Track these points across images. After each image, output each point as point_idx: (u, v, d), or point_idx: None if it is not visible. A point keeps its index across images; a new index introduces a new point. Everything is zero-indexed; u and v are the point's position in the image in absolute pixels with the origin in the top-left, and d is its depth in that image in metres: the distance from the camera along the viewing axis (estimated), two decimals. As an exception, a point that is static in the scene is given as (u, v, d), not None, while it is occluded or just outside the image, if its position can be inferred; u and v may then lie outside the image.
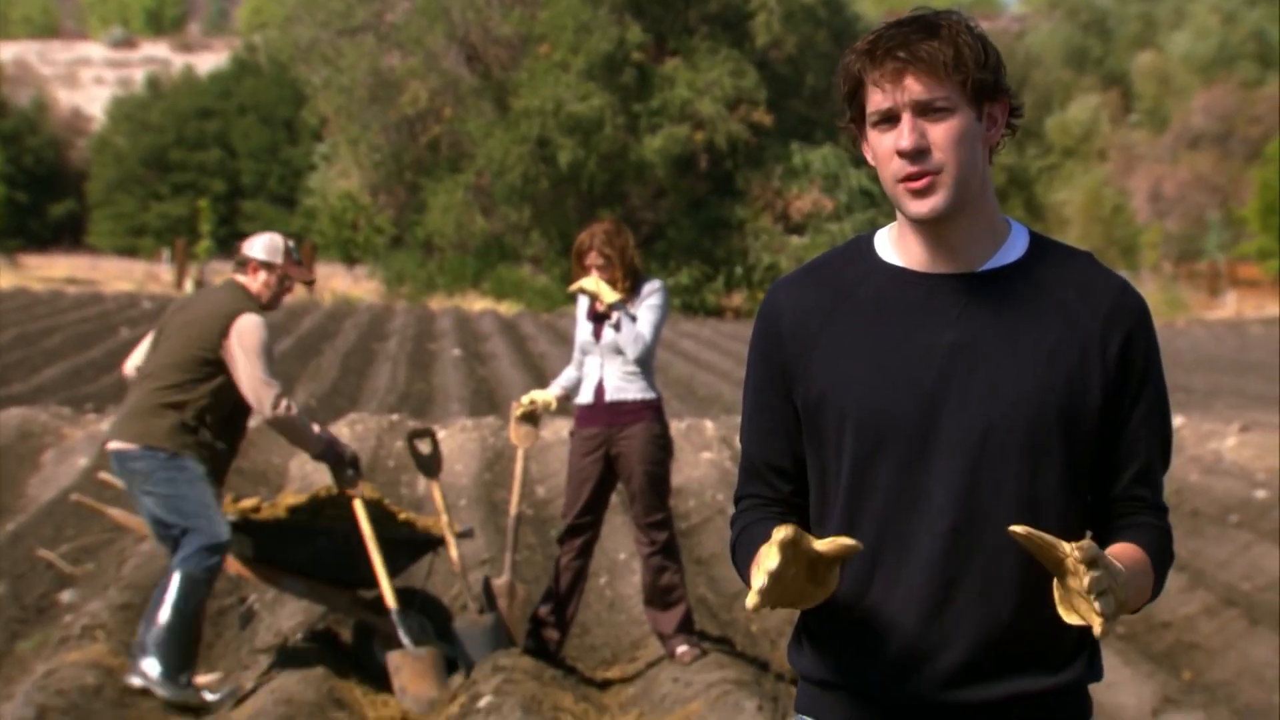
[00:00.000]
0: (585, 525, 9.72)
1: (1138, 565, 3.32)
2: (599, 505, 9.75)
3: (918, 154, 3.30)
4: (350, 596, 9.59)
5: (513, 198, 57.03)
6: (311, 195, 69.91)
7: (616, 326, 9.44)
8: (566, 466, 9.97)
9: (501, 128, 56.43)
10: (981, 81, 3.33)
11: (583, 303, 9.69)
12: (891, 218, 3.53)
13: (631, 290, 9.52)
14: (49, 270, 65.89)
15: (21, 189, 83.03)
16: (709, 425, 19.05)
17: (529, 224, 58.41)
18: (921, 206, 3.32)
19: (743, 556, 3.46)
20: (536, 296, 54.23)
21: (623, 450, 9.55)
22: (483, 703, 8.43)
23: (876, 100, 3.32)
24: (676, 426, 18.33)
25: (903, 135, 3.29)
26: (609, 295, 9.41)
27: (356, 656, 9.63)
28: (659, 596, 9.66)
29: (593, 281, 9.44)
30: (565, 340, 33.56)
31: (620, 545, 12.59)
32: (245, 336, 8.85)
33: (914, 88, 3.29)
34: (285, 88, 79.70)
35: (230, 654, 10.09)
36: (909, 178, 3.31)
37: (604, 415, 9.58)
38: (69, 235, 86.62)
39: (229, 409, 8.97)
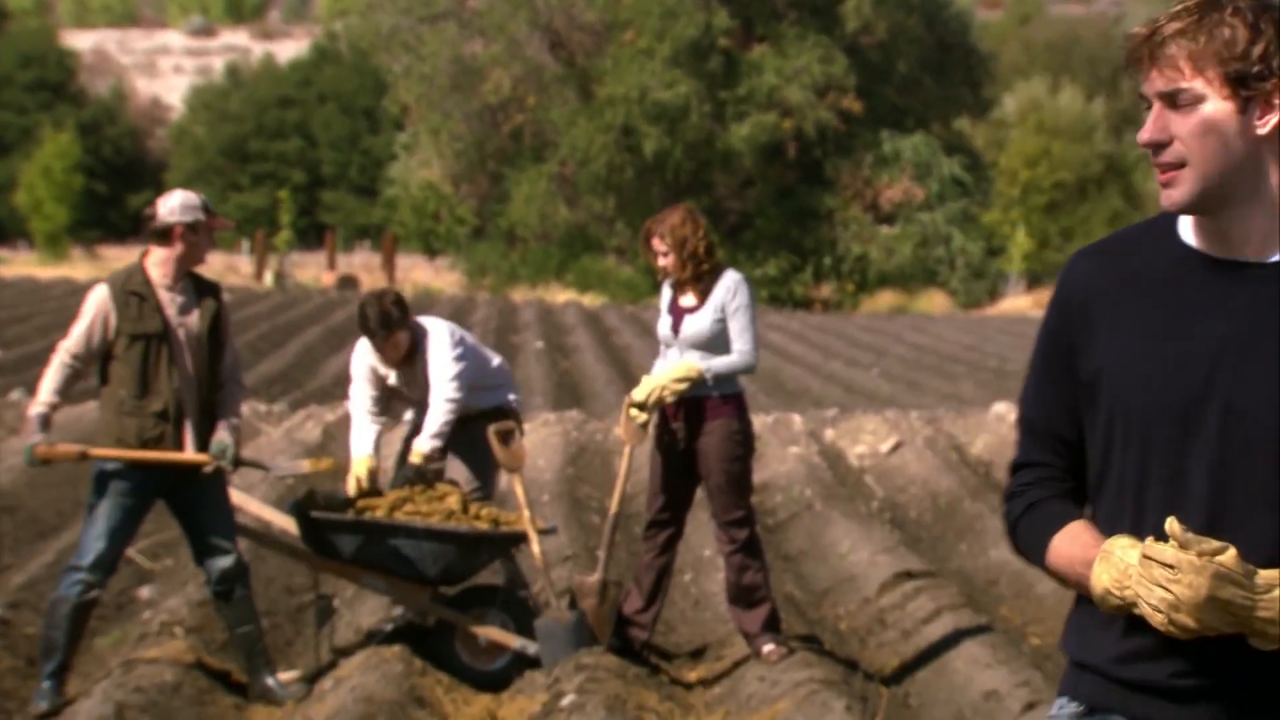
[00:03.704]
0: (666, 521, 9.62)
1: None
2: (681, 501, 9.64)
3: (1154, 147, 3.29)
4: (429, 594, 9.49)
5: (597, 187, 57.01)
6: (392, 185, 70.00)
7: (713, 380, 9.30)
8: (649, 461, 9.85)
9: (585, 116, 56.40)
10: (1241, 71, 3.25)
11: (665, 294, 9.56)
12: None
13: (697, 280, 9.38)
14: (127, 262, 66.30)
15: (100, 179, 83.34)
16: (797, 419, 18.89)
17: (613, 214, 58.37)
18: (1166, 200, 3.32)
19: (1033, 537, 3.48)
20: (621, 288, 54.16)
21: (701, 447, 9.42)
22: (566, 701, 8.36)
23: (1143, 85, 3.33)
24: (763, 420, 18.18)
25: (1145, 126, 3.30)
26: (682, 374, 9.28)
27: (438, 655, 9.51)
28: (742, 595, 9.53)
29: (644, 390, 9.36)
30: (650, 332, 33.52)
31: (705, 542, 12.44)
32: None
33: (1158, 79, 3.28)
34: (366, 76, 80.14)
35: (309, 651, 10.00)
36: (1158, 168, 3.31)
37: (682, 410, 9.43)
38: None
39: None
